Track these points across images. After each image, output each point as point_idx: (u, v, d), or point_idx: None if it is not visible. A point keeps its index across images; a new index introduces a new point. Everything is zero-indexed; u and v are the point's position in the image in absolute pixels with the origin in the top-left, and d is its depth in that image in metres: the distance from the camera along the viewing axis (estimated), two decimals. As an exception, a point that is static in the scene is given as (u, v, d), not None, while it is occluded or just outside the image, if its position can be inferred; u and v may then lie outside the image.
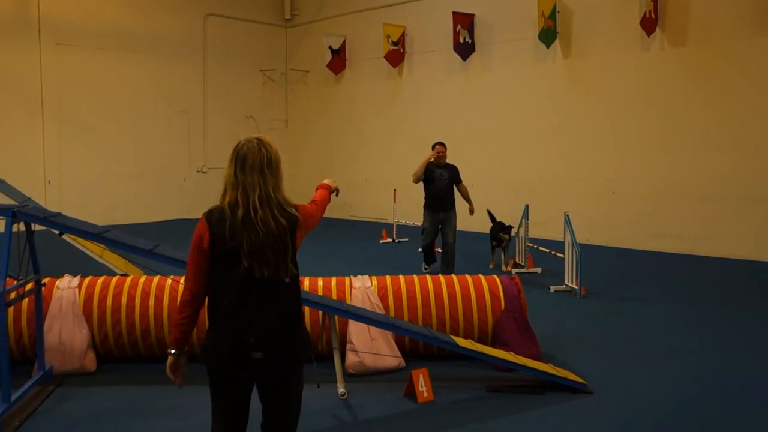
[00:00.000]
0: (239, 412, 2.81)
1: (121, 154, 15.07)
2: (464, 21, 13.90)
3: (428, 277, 5.71)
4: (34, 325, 4.96)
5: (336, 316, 4.92)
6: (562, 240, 8.59)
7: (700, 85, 11.07)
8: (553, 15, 12.36)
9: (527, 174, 13.17)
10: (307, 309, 4.88)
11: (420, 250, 9.26)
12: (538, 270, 9.46)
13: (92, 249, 7.52)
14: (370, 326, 5.04)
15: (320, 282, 5.55)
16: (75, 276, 5.47)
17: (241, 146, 2.74)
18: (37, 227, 4.58)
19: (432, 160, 8.63)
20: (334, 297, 5.36)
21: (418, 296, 5.46)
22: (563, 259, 8.47)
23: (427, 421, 4.36)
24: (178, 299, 5.14)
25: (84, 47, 14.52)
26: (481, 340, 5.39)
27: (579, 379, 4.91)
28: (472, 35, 13.97)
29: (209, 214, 2.73)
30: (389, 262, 10.15)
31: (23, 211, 4.44)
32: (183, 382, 2.87)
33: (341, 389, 4.67)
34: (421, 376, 4.67)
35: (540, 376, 4.87)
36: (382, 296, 5.43)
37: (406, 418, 4.41)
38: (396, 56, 15.24)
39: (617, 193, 12.06)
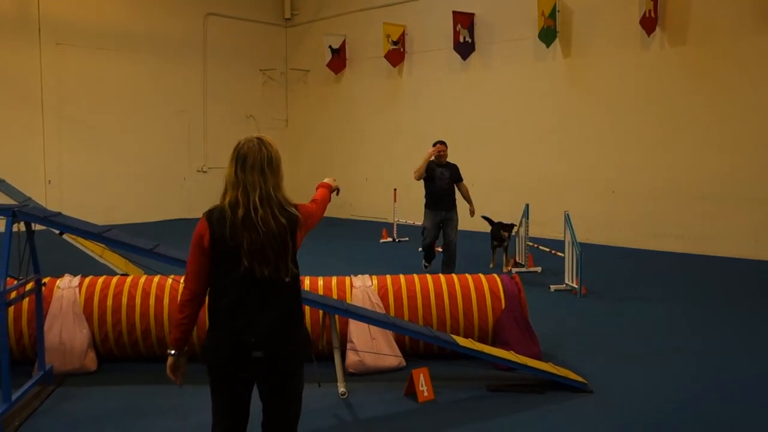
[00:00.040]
0: (240, 412, 2.81)
1: (122, 154, 15.08)
2: (464, 20, 13.90)
3: (428, 276, 5.71)
4: (34, 325, 4.96)
5: (336, 316, 4.93)
6: (563, 239, 8.58)
7: (700, 84, 11.07)
8: (553, 14, 12.36)
9: (527, 173, 13.17)
10: (307, 308, 4.88)
11: (420, 249, 9.25)
12: (539, 269, 9.46)
13: (92, 249, 7.52)
14: (370, 326, 5.04)
15: (321, 281, 5.55)
16: (75, 276, 5.47)
17: (242, 146, 2.74)
18: (37, 227, 4.58)
19: (432, 158, 8.62)
20: (335, 296, 5.36)
21: (419, 295, 5.47)
22: (563, 258, 8.47)
23: (428, 421, 4.36)
24: (179, 299, 5.18)
25: (84, 47, 14.53)
26: (482, 340, 5.39)
27: (579, 379, 4.91)
28: (472, 35, 13.97)
29: (210, 214, 2.74)
30: (389, 261, 10.15)
31: (23, 210, 4.44)
32: (183, 382, 2.87)
33: (342, 388, 4.67)
34: (421, 375, 4.68)
35: (540, 375, 4.87)
36: (383, 295, 5.43)
37: (406, 418, 4.41)
38: (396, 56, 15.24)
39: (617, 193, 12.06)
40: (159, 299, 5.31)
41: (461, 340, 4.95)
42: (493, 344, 5.35)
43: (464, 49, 14.03)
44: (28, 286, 4.62)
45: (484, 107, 13.90)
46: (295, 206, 2.80)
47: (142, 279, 5.50)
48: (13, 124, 13.59)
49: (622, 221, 11.97)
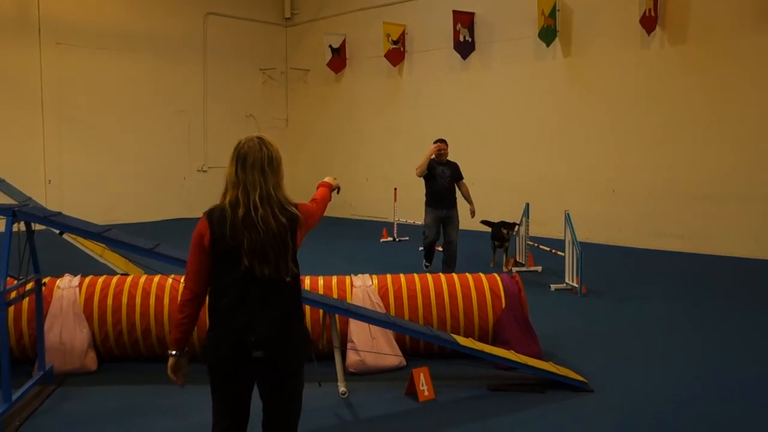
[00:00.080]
0: (240, 411, 2.81)
1: (122, 154, 15.08)
2: (464, 20, 13.90)
3: (429, 275, 5.71)
4: (34, 325, 4.96)
5: (337, 315, 4.93)
6: (563, 238, 8.58)
7: (701, 83, 11.07)
8: (553, 13, 12.35)
9: (527, 172, 13.17)
10: (307, 308, 4.88)
11: (421, 248, 9.25)
12: (539, 268, 9.46)
13: (93, 248, 7.52)
14: (370, 325, 5.04)
15: (321, 281, 5.55)
16: (75, 275, 5.47)
17: (242, 145, 2.74)
18: (37, 227, 4.58)
19: (433, 156, 8.61)
20: (335, 296, 5.36)
21: (419, 295, 5.46)
22: (564, 257, 8.47)
23: (428, 420, 4.36)
24: (179, 299, 5.18)
25: (84, 47, 14.53)
26: (482, 339, 5.39)
27: (580, 378, 4.91)
28: (472, 34, 13.97)
29: (210, 213, 2.74)
30: (390, 261, 10.15)
31: (24, 210, 4.43)
32: (185, 382, 2.86)
33: (342, 388, 4.67)
34: (422, 374, 4.67)
35: (541, 375, 4.88)
36: (383, 295, 5.43)
37: (407, 417, 4.41)
38: (396, 55, 15.24)
39: (618, 192, 12.06)
40: (159, 299, 5.30)
41: (462, 340, 4.95)
42: (494, 343, 5.35)
43: (464, 48, 14.03)
44: (29, 286, 4.62)
45: (484, 106, 13.90)
46: (296, 205, 2.80)
47: (143, 279, 5.50)
48: (13, 123, 13.60)
49: (622, 220, 11.97)
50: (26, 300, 4.89)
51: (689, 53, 11.19)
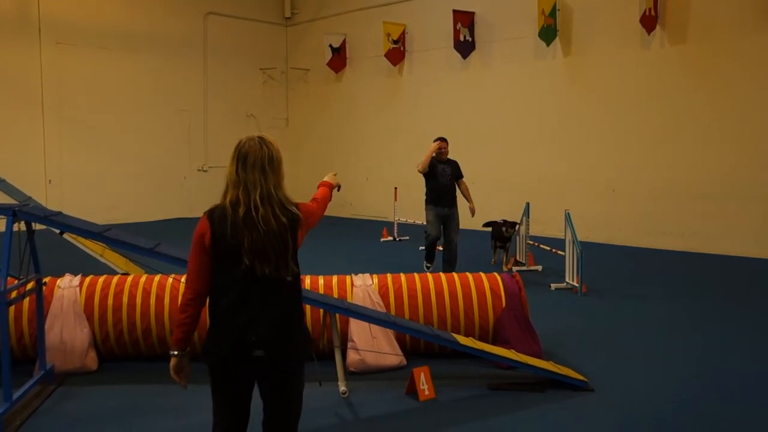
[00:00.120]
0: (240, 411, 2.81)
1: (122, 153, 15.08)
2: (464, 19, 13.90)
3: (429, 275, 5.72)
4: (35, 325, 4.96)
5: (337, 315, 4.93)
6: (563, 238, 8.58)
7: (701, 82, 11.07)
8: (553, 13, 12.35)
9: (528, 172, 13.17)
10: (308, 307, 4.89)
11: (422, 248, 9.23)
12: (539, 268, 9.46)
13: (93, 248, 7.52)
14: (371, 324, 5.04)
15: (321, 280, 5.55)
16: (76, 275, 5.47)
17: (243, 144, 2.74)
18: (37, 226, 4.58)
19: (434, 154, 8.60)
20: (336, 295, 5.36)
21: (419, 294, 5.47)
22: (564, 256, 8.47)
23: (429, 419, 4.36)
24: (179, 298, 5.18)
25: (84, 46, 14.53)
26: (482, 338, 5.39)
27: (580, 377, 4.91)
28: (472, 33, 13.97)
29: (211, 212, 2.74)
30: (390, 260, 10.14)
31: (24, 210, 4.43)
32: (188, 383, 2.86)
33: (342, 387, 4.67)
34: (422, 374, 4.68)
35: (541, 374, 4.88)
36: (383, 294, 5.43)
37: (407, 416, 4.41)
38: (396, 54, 15.24)
39: (618, 191, 12.06)
40: (160, 298, 5.31)
41: (462, 339, 4.95)
42: (494, 343, 5.35)
43: (464, 47, 14.03)
44: (29, 286, 4.62)
45: (484, 106, 13.90)
46: (296, 205, 2.80)
47: (143, 278, 5.50)
48: (14, 123, 13.60)
49: (622, 220, 11.97)
50: (27, 300, 4.89)
51: (689, 53, 11.18)
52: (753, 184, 10.54)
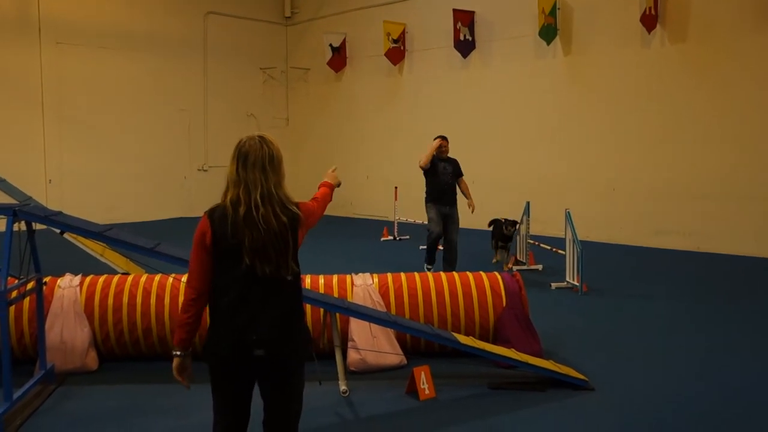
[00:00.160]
0: (241, 410, 2.81)
1: (122, 153, 15.08)
2: (465, 18, 13.89)
3: (429, 274, 5.72)
4: (35, 324, 4.96)
5: (337, 314, 4.92)
6: (563, 237, 8.58)
7: (701, 81, 11.06)
8: (553, 12, 12.35)
9: (528, 171, 13.17)
10: (308, 307, 4.89)
11: (423, 247, 9.21)
12: (540, 267, 9.46)
13: (93, 248, 7.52)
14: (371, 324, 5.04)
15: (322, 280, 5.55)
16: (76, 275, 5.47)
17: (243, 143, 2.74)
18: (38, 226, 4.58)
19: (434, 152, 8.58)
20: (336, 295, 5.36)
21: (420, 293, 5.46)
22: (564, 256, 8.47)
23: (429, 419, 4.36)
24: (180, 298, 5.19)
25: (84, 46, 14.53)
26: (483, 337, 5.39)
27: (581, 376, 4.91)
28: (472, 32, 13.97)
29: (211, 212, 2.74)
30: (390, 259, 10.14)
31: (24, 210, 4.43)
32: (191, 383, 2.86)
33: (343, 387, 4.67)
34: (422, 373, 4.68)
35: (541, 373, 4.87)
36: (384, 294, 5.43)
37: (407, 416, 4.41)
38: (396, 54, 15.24)
39: (618, 190, 12.05)
40: (160, 298, 5.31)
41: (462, 338, 4.95)
42: (494, 342, 5.35)
43: (464, 47, 14.03)
44: (29, 286, 4.62)
45: (484, 105, 13.90)
46: (296, 204, 2.80)
47: (143, 278, 5.50)
48: (14, 123, 13.60)
49: (622, 219, 11.97)
50: (27, 299, 4.89)
51: (690, 52, 11.18)
52: (753, 184, 10.53)
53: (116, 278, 5.50)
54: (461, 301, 5.45)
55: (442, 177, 8.58)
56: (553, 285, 8.28)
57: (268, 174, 2.70)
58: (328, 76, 17.03)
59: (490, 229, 9.89)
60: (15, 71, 13.65)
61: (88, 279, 5.44)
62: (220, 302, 2.72)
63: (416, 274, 5.70)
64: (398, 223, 12.81)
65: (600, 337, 6.25)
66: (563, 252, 8.59)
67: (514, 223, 9.52)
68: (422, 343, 5.43)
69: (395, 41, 15.14)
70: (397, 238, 12.59)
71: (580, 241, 8.09)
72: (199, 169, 16.59)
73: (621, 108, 11.96)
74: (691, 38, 11.14)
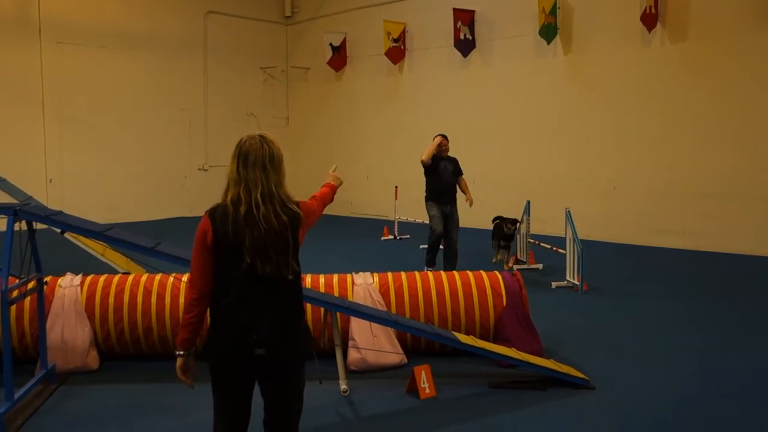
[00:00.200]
0: (241, 409, 2.81)
1: (123, 152, 15.08)
2: (465, 17, 13.89)
3: (430, 273, 5.72)
4: (36, 324, 4.97)
5: (338, 313, 4.93)
6: (564, 236, 8.58)
7: (701, 80, 11.06)
8: (553, 11, 12.35)
9: (528, 170, 13.17)
10: (309, 306, 4.89)
11: (423, 246, 9.19)
12: (540, 266, 9.46)
13: (94, 247, 7.52)
14: (372, 323, 5.04)
15: (322, 279, 5.55)
16: (77, 274, 5.48)
17: (244, 142, 2.75)
18: (38, 226, 4.59)
19: (435, 151, 8.56)
20: (336, 294, 5.37)
21: (420, 293, 5.47)
22: (565, 255, 8.47)
23: (429, 418, 4.36)
24: (181, 298, 5.20)
25: (85, 46, 14.52)
26: (483, 336, 5.40)
27: (581, 375, 4.91)
28: (472, 32, 13.97)
29: (212, 212, 2.74)
30: (391, 259, 10.15)
31: (25, 209, 4.44)
32: (194, 382, 2.87)
33: (343, 386, 4.68)
34: (423, 372, 4.68)
35: (542, 372, 4.88)
36: (384, 293, 5.43)
37: (408, 415, 4.42)
38: (396, 53, 15.23)
39: (618, 189, 12.05)
40: (161, 297, 5.31)
41: (463, 337, 4.95)
42: (495, 341, 5.35)
43: (465, 46, 14.02)
44: (30, 285, 4.63)
45: (484, 104, 13.89)
46: (297, 203, 2.80)
47: (144, 277, 5.51)
48: (14, 123, 13.60)
49: (623, 218, 11.96)
50: (28, 299, 4.89)
51: (690, 51, 11.17)
52: (753, 184, 10.53)
53: (117, 278, 5.51)
54: (462, 300, 5.45)
55: (444, 176, 8.56)
56: (554, 284, 8.28)
57: (268, 173, 2.71)
58: (328, 76, 17.03)
59: (496, 222, 9.82)
60: (15, 71, 13.65)
61: (88, 278, 5.45)
62: (221, 301, 2.72)
63: (417, 273, 5.70)
64: (398, 223, 12.81)
65: (600, 336, 6.25)
66: (563, 251, 8.59)
67: (515, 221, 9.52)
68: (423, 343, 5.43)
69: (395, 40, 15.13)
70: (398, 238, 12.59)
71: (581, 240, 8.09)
72: (199, 169, 16.60)
73: (621, 107, 11.95)
74: (692, 37, 11.14)
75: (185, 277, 4.94)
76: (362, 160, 16.20)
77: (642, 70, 11.69)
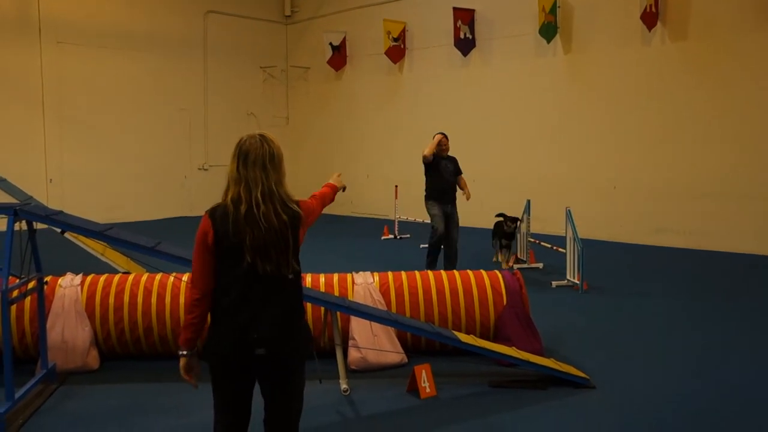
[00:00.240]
0: (242, 408, 2.81)
1: (123, 152, 15.09)
2: (465, 16, 13.89)
3: (430, 272, 5.72)
4: (36, 324, 4.97)
5: (338, 313, 4.93)
6: (564, 235, 8.58)
7: (701, 79, 11.06)
8: (553, 10, 12.34)
9: (528, 169, 13.16)
10: (309, 305, 4.90)
11: (424, 246, 9.17)
12: (540, 265, 9.46)
13: (94, 247, 7.53)
14: (372, 322, 5.04)
15: (322, 278, 5.55)
16: (77, 274, 5.48)
17: (244, 142, 2.75)
18: (39, 226, 4.59)
19: (435, 150, 8.55)
20: (336, 293, 5.37)
21: (420, 292, 5.47)
22: (565, 254, 8.47)
23: (430, 417, 4.36)
24: (181, 298, 5.20)
25: (84, 45, 14.52)
26: (483, 336, 5.40)
27: (582, 374, 4.91)
28: (472, 31, 13.96)
29: (212, 211, 2.74)
30: (391, 258, 10.15)
31: (25, 209, 4.43)
32: (198, 382, 2.87)
33: (344, 385, 4.68)
34: (423, 371, 4.68)
35: (542, 371, 4.88)
36: (384, 292, 5.43)
37: (408, 414, 4.42)
38: (396, 52, 15.23)
39: (618, 189, 12.05)
40: (161, 297, 5.31)
41: (463, 337, 4.95)
42: (495, 340, 5.35)
43: (465, 45, 14.02)
44: (30, 285, 4.63)
45: (484, 103, 13.89)
46: (297, 203, 2.80)
47: (144, 277, 5.51)
48: (14, 123, 13.61)
49: (623, 217, 11.96)
50: (28, 299, 4.89)
51: (690, 50, 11.17)
52: (753, 184, 10.53)
53: (117, 277, 5.51)
54: (462, 299, 5.45)
55: (445, 175, 8.54)
56: (554, 283, 8.28)
57: (268, 172, 2.71)
58: (328, 75, 17.03)
59: (497, 221, 9.80)
60: (15, 71, 13.66)
61: (89, 278, 5.45)
62: (222, 301, 2.72)
63: (417, 272, 5.70)
64: (399, 222, 12.81)
65: (600, 335, 6.25)
66: (564, 250, 8.59)
67: (515, 219, 9.51)
68: (423, 342, 5.43)
69: (395, 40, 15.13)
70: (398, 237, 12.59)
71: (581, 239, 8.09)
72: (199, 169, 16.60)
73: (621, 106, 11.95)
74: (692, 36, 11.13)
75: (185, 277, 4.96)
76: (362, 160, 16.20)
77: (642, 70, 11.68)
